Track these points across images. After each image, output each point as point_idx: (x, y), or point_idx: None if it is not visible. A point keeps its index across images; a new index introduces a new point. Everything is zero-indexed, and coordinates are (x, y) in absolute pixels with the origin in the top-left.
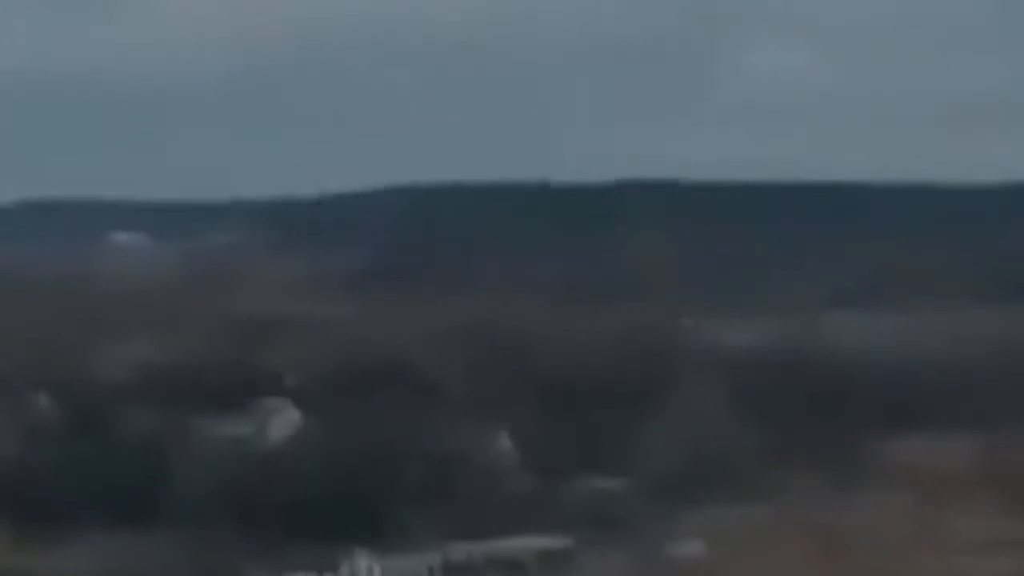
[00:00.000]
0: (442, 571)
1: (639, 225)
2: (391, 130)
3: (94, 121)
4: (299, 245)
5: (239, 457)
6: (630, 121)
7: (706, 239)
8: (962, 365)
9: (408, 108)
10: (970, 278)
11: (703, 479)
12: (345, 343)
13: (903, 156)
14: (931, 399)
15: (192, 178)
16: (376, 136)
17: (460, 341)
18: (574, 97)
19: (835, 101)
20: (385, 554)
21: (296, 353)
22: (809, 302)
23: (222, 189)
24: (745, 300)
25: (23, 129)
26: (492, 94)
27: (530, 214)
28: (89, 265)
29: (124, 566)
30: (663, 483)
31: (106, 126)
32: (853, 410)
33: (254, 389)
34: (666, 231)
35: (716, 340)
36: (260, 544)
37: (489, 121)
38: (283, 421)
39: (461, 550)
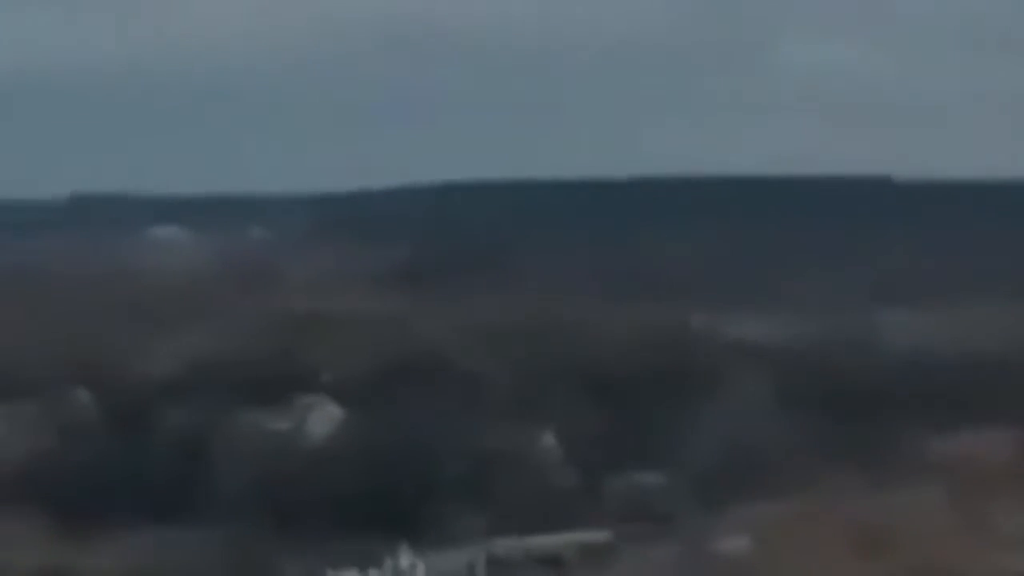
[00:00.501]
0: (484, 566)
1: (676, 221)
2: (430, 126)
3: (133, 116)
4: (339, 241)
5: (279, 453)
6: (664, 117)
7: (745, 234)
8: (1003, 361)
9: (446, 105)
10: (1012, 275)
11: (746, 474)
12: (385, 339)
13: (943, 151)
14: (972, 395)
15: (231, 173)
16: (415, 132)
17: (501, 337)
18: (610, 93)
19: (873, 96)
20: (428, 550)
21: (336, 349)
22: (851, 298)
23: (262, 184)
24: (786, 296)
25: (63, 124)
26: (530, 90)
27: (570, 211)
28: (128, 260)
29: (164, 562)
30: (706, 478)
31: (145, 121)
32: (895, 406)
33: (294, 385)
34: (703, 226)
35: (758, 336)
36: (302, 540)
37: (529, 118)
38: (323, 417)
39: (503, 545)
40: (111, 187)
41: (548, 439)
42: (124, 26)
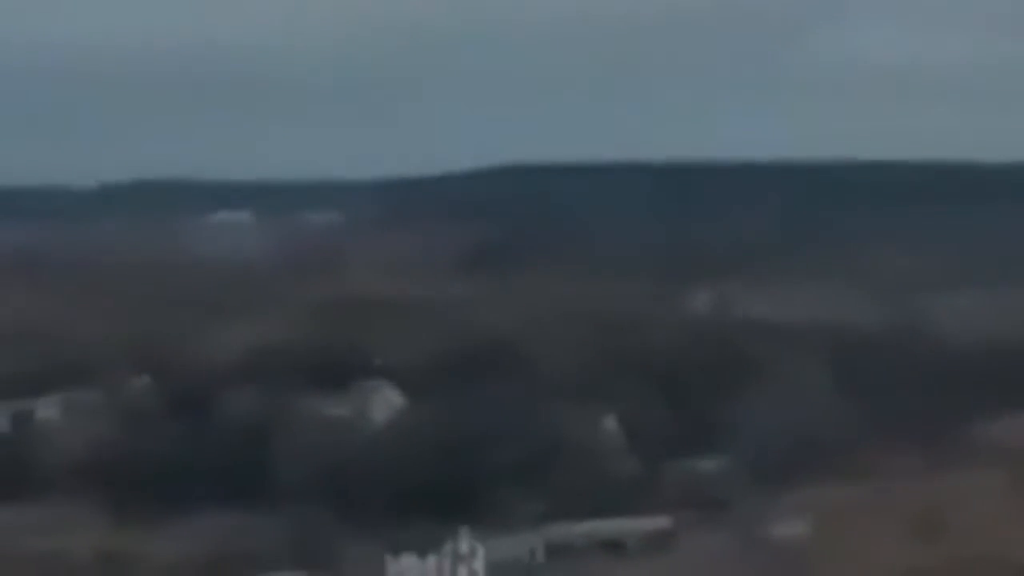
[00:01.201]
0: (544, 551)
1: (737, 205)
2: (499, 109)
3: (198, 101)
4: (404, 225)
5: (342, 438)
6: (729, 101)
7: (805, 219)
8: None
9: (516, 88)
10: None
11: (804, 459)
12: (449, 324)
13: (1005, 135)
14: None
15: (296, 157)
16: (484, 115)
17: (563, 323)
18: (679, 76)
19: (938, 79)
20: (488, 534)
21: (398, 335)
22: (912, 282)
23: (327, 169)
24: (846, 282)
25: (129, 110)
26: (602, 73)
27: (641, 194)
28: (194, 246)
29: (226, 547)
30: (764, 464)
31: (211, 106)
32: (953, 390)
33: (357, 370)
34: (762, 211)
35: (818, 320)
36: (363, 524)
37: (597, 100)
38: (385, 403)
39: (563, 530)
40: (178, 173)
41: (609, 425)
42: (191, 13)
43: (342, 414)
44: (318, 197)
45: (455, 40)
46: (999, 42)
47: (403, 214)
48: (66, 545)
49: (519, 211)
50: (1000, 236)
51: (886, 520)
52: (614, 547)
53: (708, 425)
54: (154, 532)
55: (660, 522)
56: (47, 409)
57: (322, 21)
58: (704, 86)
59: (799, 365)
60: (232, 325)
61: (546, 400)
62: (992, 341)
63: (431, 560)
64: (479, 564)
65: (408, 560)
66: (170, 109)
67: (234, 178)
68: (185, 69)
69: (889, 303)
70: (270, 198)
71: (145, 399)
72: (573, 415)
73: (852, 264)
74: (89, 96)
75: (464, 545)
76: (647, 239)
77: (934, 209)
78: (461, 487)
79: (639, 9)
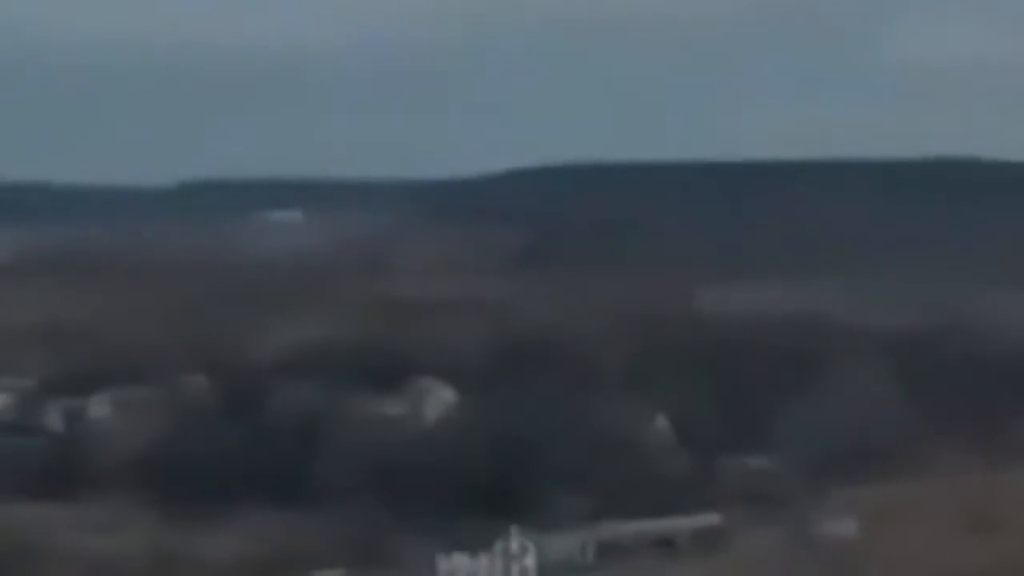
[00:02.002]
0: (595, 550)
1: (783, 203)
2: (546, 109)
3: (247, 99)
4: (452, 224)
5: (393, 437)
6: (786, 96)
7: (851, 217)
8: None
9: (563, 87)
10: None
11: (856, 457)
12: (499, 323)
13: None
14: None
15: (346, 155)
16: (531, 114)
17: (613, 321)
18: (728, 73)
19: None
20: (538, 533)
21: (450, 332)
22: (962, 278)
23: (378, 167)
24: (895, 278)
25: (176, 109)
26: (645, 72)
27: (686, 193)
28: (243, 244)
29: (277, 546)
30: (816, 461)
31: (259, 104)
32: (1005, 387)
33: (408, 369)
34: (809, 209)
35: (869, 317)
36: (414, 524)
37: (642, 99)
38: (437, 401)
39: (614, 529)
40: (228, 172)
41: (660, 422)
42: (238, 10)
43: (394, 412)
44: (367, 196)
45: (500, 39)
46: None
47: (451, 213)
48: (119, 544)
49: (565, 210)
50: None
51: (939, 518)
52: (665, 545)
53: (759, 422)
54: (207, 531)
55: (710, 520)
56: (100, 407)
57: (368, 22)
58: (760, 84)
59: (851, 362)
60: (284, 324)
61: (596, 398)
62: None
63: (482, 559)
64: (530, 562)
65: (459, 559)
66: (219, 108)
67: (283, 176)
68: (235, 68)
69: (943, 301)
70: (319, 197)
71: (198, 398)
72: (623, 413)
73: (906, 262)
74: (140, 96)
75: (515, 544)
76: (694, 238)
77: (987, 206)
78: (512, 486)
79: (687, 7)
